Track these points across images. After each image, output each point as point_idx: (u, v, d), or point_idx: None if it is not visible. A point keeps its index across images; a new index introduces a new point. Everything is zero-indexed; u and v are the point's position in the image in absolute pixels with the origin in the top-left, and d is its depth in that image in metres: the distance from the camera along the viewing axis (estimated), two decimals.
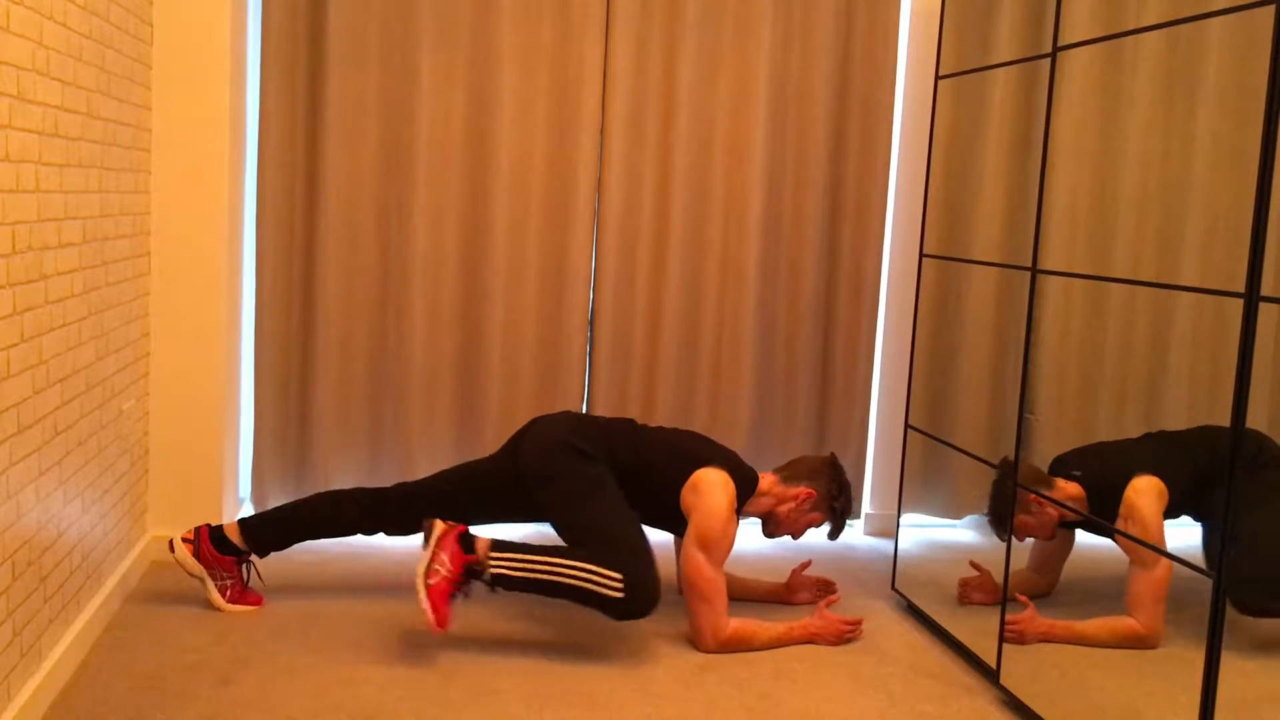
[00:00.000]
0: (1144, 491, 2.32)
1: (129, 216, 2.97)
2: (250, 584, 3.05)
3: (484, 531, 2.97)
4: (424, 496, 3.04)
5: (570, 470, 2.91)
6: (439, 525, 2.75)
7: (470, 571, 2.72)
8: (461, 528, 2.78)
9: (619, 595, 2.69)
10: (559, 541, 2.86)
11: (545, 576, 2.71)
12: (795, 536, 3.13)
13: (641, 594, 2.71)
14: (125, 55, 2.88)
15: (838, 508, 3.08)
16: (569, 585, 2.70)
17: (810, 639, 2.97)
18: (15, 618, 2.24)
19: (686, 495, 2.93)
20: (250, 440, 3.62)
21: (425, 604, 2.63)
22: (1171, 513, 2.26)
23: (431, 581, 2.66)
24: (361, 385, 3.64)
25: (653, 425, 3.26)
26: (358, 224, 3.57)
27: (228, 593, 2.97)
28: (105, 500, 2.85)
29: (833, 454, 3.19)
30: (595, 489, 2.89)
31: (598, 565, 2.71)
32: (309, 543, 3.11)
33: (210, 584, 2.97)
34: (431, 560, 2.69)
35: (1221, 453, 2.03)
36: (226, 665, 2.66)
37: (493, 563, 2.72)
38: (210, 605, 2.96)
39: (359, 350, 3.63)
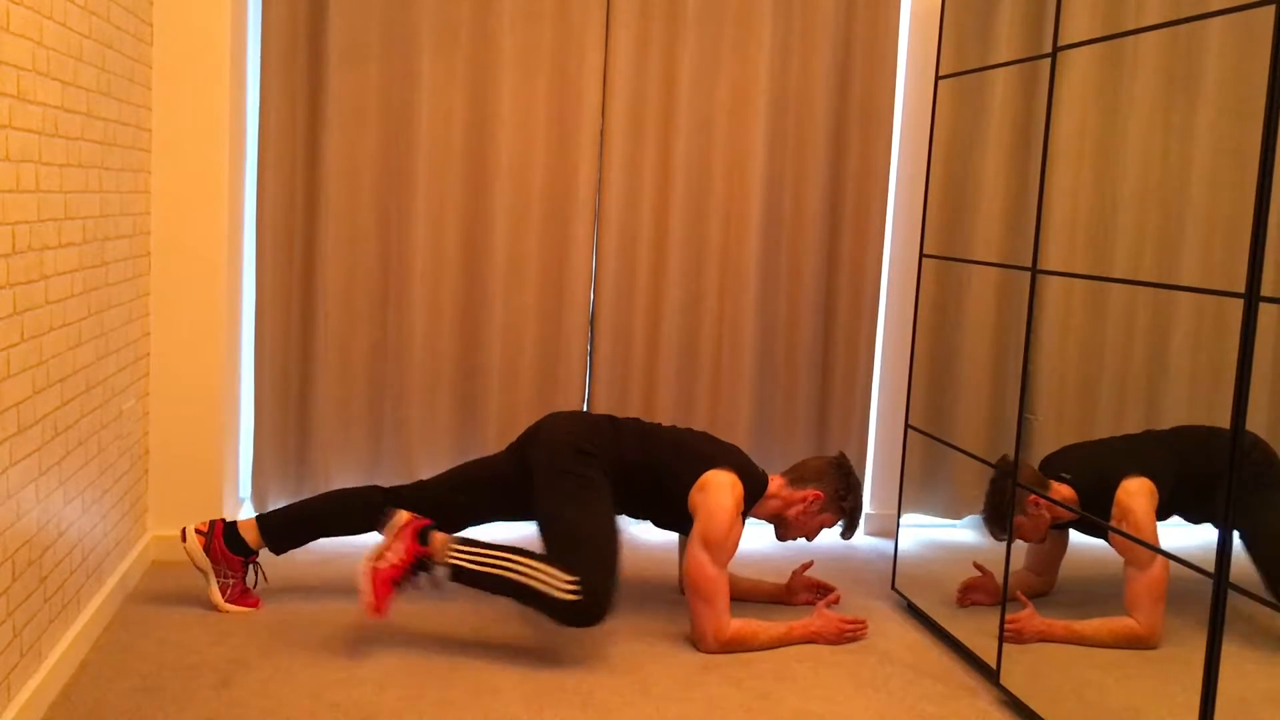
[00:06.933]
0: (1136, 493, 2.32)
1: (129, 216, 2.97)
2: (255, 587, 3.05)
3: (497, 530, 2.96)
4: (440, 494, 3.04)
5: (567, 467, 2.90)
6: (401, 515, 2.78)
7: (420, 564, 2.74)
8: (424, 521, 2.79)
9: (570, 598, 2.67)
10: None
11: (500, 571, 2.71)
12: (809, 539, 3.12)
13: (593, 600, 2.69)
14: (125, 55, 2.88)
15: (847, 507, 3.07)
16: (521, 583, 2.70)
17: (811, 638, 2.97)
18: (15, 617, 2.24)
19: (694, 495, 2.93)
20: (250, 440, 3.62)
21: (365, 585, 2.68)
22: (1160, 513, 2.26)
23: (378, 566, 2.70)
24: (361, 385, 3.64)
25: (664, 425, 3.26)
26: (358, 224, 3.57)
27: (228, 592, 2.97)
28: (105, 500, 2.85)
29: (841, 453, 3.17)
30: (583, 491, 2.88)
31: (554, 567, 2.70)
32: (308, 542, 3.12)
33: (212, 580, 2.97)
34: (383, 548, 2.73)
35: (1212, 452, 2.03)
36: (226, 665, 2.66)
37: (452, 555, 2.73)
38: (210, 603, 2.97)
39: (359, 350, 3.63)
